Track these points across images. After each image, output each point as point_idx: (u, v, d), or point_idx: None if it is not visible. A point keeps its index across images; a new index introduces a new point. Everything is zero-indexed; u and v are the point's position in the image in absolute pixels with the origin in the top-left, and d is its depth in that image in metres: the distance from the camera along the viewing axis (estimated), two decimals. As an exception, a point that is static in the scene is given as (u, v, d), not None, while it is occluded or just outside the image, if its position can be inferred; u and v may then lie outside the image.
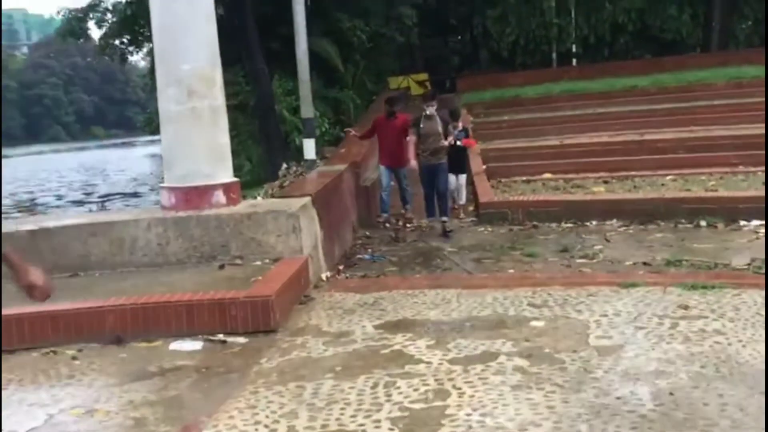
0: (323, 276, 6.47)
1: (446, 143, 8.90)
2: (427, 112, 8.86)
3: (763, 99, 14.38)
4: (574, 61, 27.47)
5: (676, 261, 6.70)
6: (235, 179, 6.26)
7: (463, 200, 10.58)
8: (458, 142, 9.68)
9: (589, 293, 5.09)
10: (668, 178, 10.77)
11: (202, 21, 5.80)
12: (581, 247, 7.65)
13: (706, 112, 14.12)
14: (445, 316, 4.80)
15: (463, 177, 10.56)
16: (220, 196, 5.98)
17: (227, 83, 15.94)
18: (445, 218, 8.93)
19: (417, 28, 25.65)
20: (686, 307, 4.56)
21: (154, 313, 4.63)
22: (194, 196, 5.90)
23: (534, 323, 4.50)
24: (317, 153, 11.61)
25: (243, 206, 6.10)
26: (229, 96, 15.67)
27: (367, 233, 9.29)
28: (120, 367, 4.16)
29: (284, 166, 12.66)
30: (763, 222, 8.06)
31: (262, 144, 14.71)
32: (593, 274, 6.22)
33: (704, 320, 4.29)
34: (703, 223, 8.31)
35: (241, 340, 4.54)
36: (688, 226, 8.34)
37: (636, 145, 12.52)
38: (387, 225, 9.48)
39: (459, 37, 34.90)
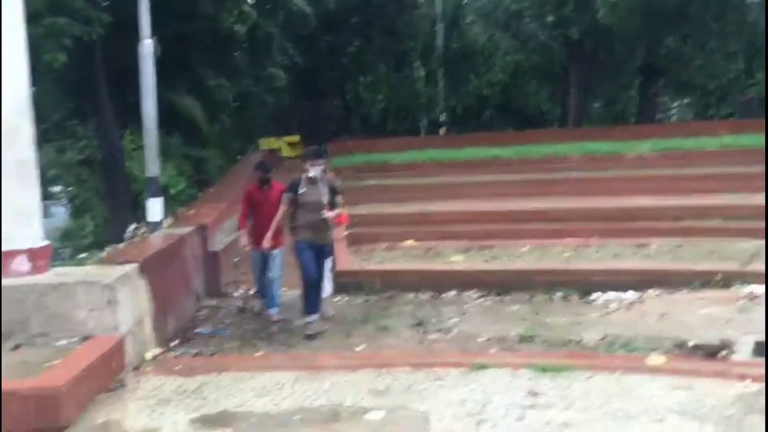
0: (149, 355, 5.70)
1: (330, 216, 6.90)
2: (311, 174, 6.84)
3: (615, 173, 15.07)
4: (442, 130, 28.14)
5: (529, 336, 6.47)
6: (45, 243, 5.43)
7: (329, 291, 7.83)
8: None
9: (436, 376, 4.67)
10: (525, 248, 10.78)
11: (7, 64, 5.05)
12: (436, 320, 7.30)
13: (563, 184, 14.53)
14: (273, 407, 4.21)
15: (329, 262, 7.69)
16: (22, 263, 5.14)
17: (76, 137, 14.99)
18: (313, 316, 6.94)
19: (289, 91, 25.42)
20: (535, 394, 4.21)
21: None
22: (-11, 262, 5.03)
23: (371, 415, 4.00)
24: (166, 214, 10.78)
25: (51, 275, 5.27)
26: (76, 151, 14.68)
27: (214, 302, 8.53)
28: None
29: (132, 227, 11.73)
30: (615, 294, 8.10)
31: (108, 202, 13.66)
32: (444, 353, 5.85)
33: (553, 410, 3.95)
34: (557, 295, 8.22)
35: (19, 442, 3.73)
36: (543, 298, 8.22)
37: (496, 215, 12.57)
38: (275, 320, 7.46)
39: (333, 102, 35.07)
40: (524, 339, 6.45)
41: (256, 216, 7.60)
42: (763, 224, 10.79)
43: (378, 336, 6.77)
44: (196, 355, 6.12)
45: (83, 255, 12.10)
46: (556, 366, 4.69)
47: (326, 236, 7.04)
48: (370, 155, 20.32)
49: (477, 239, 11.38)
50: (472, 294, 8.51)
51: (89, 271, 5.45)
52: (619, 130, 21.55)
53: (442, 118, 28.06)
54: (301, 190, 6.88)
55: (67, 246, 14.10)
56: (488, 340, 6.49)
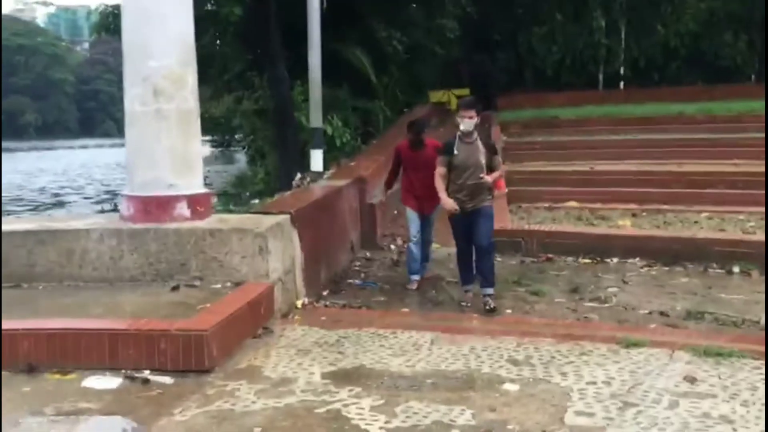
0: (299, 303, 5.86)
1: (488, 179, 6.17)
2: (463, 129, 6.13)
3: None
4: (622, 83, 26.39)
5: (697, 313, 5.91)
6: (205, 191, 5.69)
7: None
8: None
9: (582, 351, 4.36)
10: (703, 215, 9.88)
11: (173, 14, 5.25)
12: (594, 288, 6.88)
13: (754, 145, 13.09)
14: (407, 368, 4.13)
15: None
16: (183, 209, 5.41)
17: (253, 87, 15.69)
18: (489, 290, 6.17)
19: (460, 42, 24.95)
20: (693, 380, 3.80)
21: (74, 341, 4.06)
22: (154, 207, 5.35)
23: (507, 386, 3.80)
24: (330, 165, 11.02)
25: (209, 222, 5.52)
26: (252, 101, 15.37)
27: (368, 254, 8.64)
28: (15, 403, 3.58)
29: (298, 175, 12.13)
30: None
31: (278, 152, 14.25)
32: (596, 325, 5.47)
33: (712, 400, 3.53)
34: (735, 269, 7.44)
35: (167, 380, 3.94)
36: (719, 271, 7.48)
37: (672, 177, 11.60)
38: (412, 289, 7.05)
39: (505, 54, 34.04)
40: (691, 316, 5.90)
41: (409, 176, 7.26)
42: None
43: (529, 300, 6.50)
44: (344, 306, 6.21)
45: (255, 201, 12.74)
46: (721, 350, 4.21)
47: (482, 200, 6.21)
48: (540, 110, 19.64)
49: (647, 203, 10.61)
50: (637, 262, 7.95)
51: (244, 220, 5.64)
52: (828, 85, 19.05)
53: (622, 71, 26.30)
54: (455, 151, 6.17)
55: (241, 192, 14.93)
56: (649, 313, 6.01)
